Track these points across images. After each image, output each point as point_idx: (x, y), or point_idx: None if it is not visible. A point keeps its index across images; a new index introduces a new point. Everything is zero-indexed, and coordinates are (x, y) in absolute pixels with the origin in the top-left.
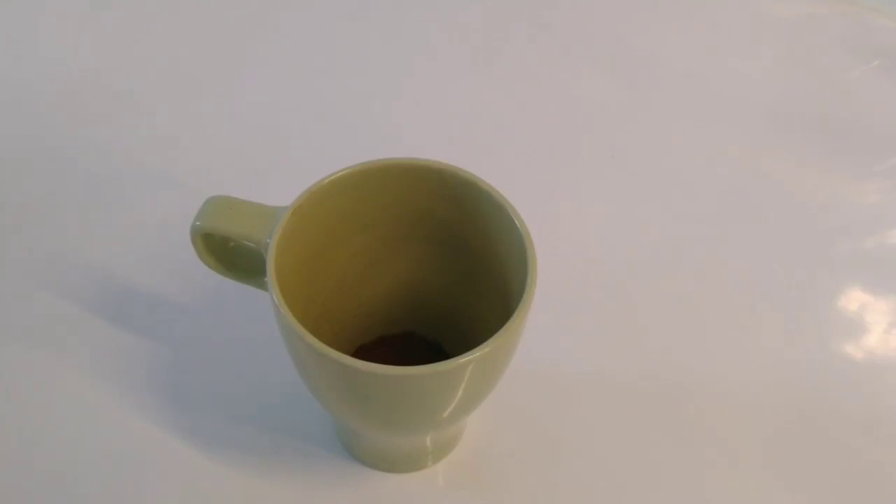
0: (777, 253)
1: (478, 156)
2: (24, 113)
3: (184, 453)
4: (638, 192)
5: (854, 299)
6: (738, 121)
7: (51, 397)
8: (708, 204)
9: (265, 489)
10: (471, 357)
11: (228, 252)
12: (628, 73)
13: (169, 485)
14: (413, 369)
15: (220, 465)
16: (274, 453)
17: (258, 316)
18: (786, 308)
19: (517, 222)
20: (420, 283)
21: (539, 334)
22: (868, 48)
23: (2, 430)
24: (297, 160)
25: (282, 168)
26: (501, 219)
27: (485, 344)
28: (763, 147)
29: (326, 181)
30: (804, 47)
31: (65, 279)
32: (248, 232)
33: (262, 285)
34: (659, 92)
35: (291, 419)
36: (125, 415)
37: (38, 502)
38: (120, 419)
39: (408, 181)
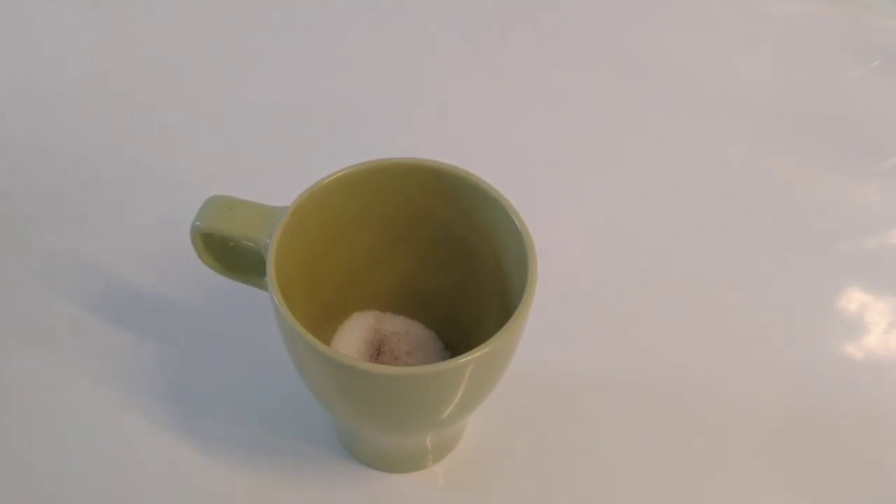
0: (777, 253)
1: (478, 156)
2: (25, 113)
3: (184, 453)
4: (638, 191)
5: (854, 299)
6: (738, 121)
7: (51, 397)
8: (708, 204)
9: (266, 489)
10: (471, 357)
11: (228, 252)
12: (628, 74)
13: (170, 485)
14: (413, 369)
15: (220, 466)
16: (274, 453)
17: (258, 316)
18: (786, 308)
19: (517, 222)
20: (420, 283)
21: (539, 334)
22: (868, 48)
23: (2, 430)
24: (297, 160)
25: (282, 168)
26: (501, 219)
27: (485, 344)
28: (763, 147)
29: (326, 181)
30: (804, 47)
31: (65, 279)
32: (248, 232)
33: (262, 285)
34: (659, 92)
35: (292, 419)
36: (125, 415)
37: (39, 502)
38: (120, 419)
39: (408, 181)
